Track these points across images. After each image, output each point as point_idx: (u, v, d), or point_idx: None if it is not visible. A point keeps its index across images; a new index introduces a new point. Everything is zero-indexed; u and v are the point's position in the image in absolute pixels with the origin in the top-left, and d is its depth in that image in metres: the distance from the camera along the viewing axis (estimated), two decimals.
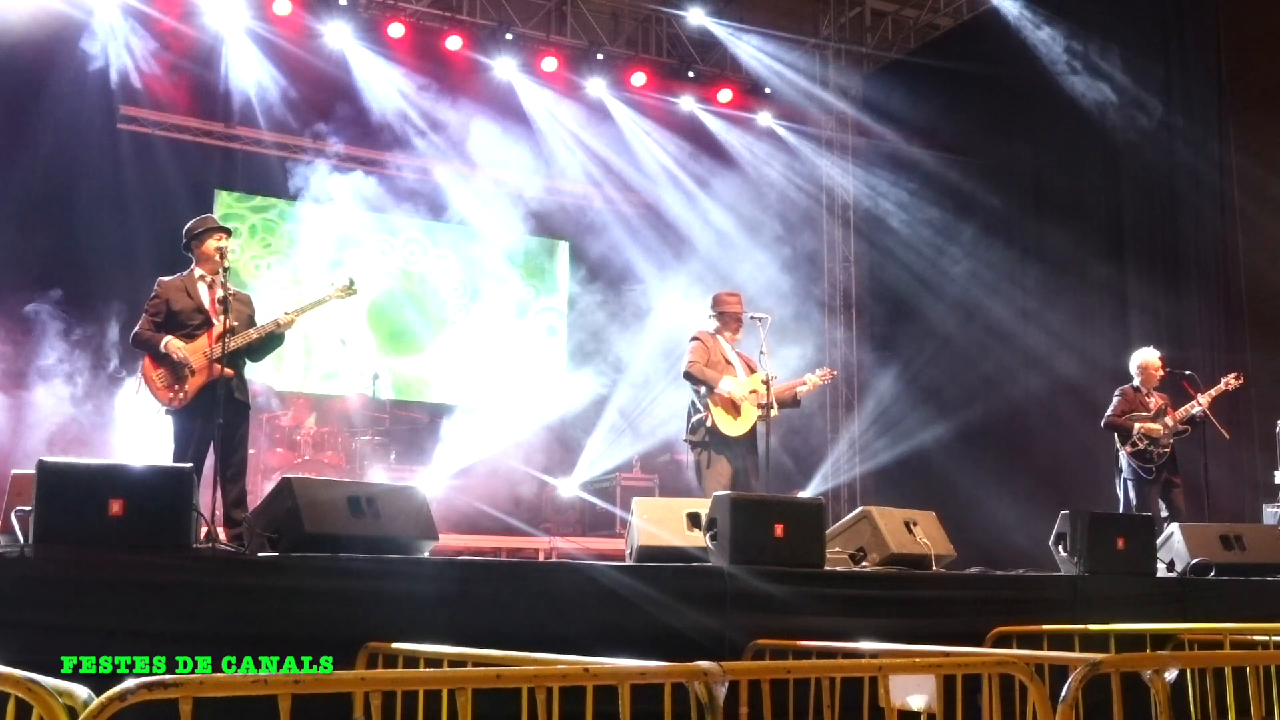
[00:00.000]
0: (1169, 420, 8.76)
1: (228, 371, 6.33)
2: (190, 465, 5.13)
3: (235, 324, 6.43)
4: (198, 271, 6.63)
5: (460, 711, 2.76)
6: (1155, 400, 8.91)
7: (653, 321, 12.72)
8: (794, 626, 5.03)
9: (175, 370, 6.39)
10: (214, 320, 6.43)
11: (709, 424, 7.54)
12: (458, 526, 10.54)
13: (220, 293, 6.38)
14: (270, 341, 6.64)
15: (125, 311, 10.67)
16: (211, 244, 6.58)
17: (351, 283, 6.87)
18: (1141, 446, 8.73)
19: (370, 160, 12.85)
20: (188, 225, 6.77)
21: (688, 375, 7.71)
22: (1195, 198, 10.93)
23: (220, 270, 6.45)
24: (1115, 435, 8.90)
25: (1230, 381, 8.83)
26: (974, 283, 12.64)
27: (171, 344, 6.38)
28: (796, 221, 14.17)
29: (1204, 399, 8.73)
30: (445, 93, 12.55)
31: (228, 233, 6.74)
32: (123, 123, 11.97)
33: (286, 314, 6.60)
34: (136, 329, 6.56)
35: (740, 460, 7.63)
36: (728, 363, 7.80)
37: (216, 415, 6.19)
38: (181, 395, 6.37)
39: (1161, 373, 8.98)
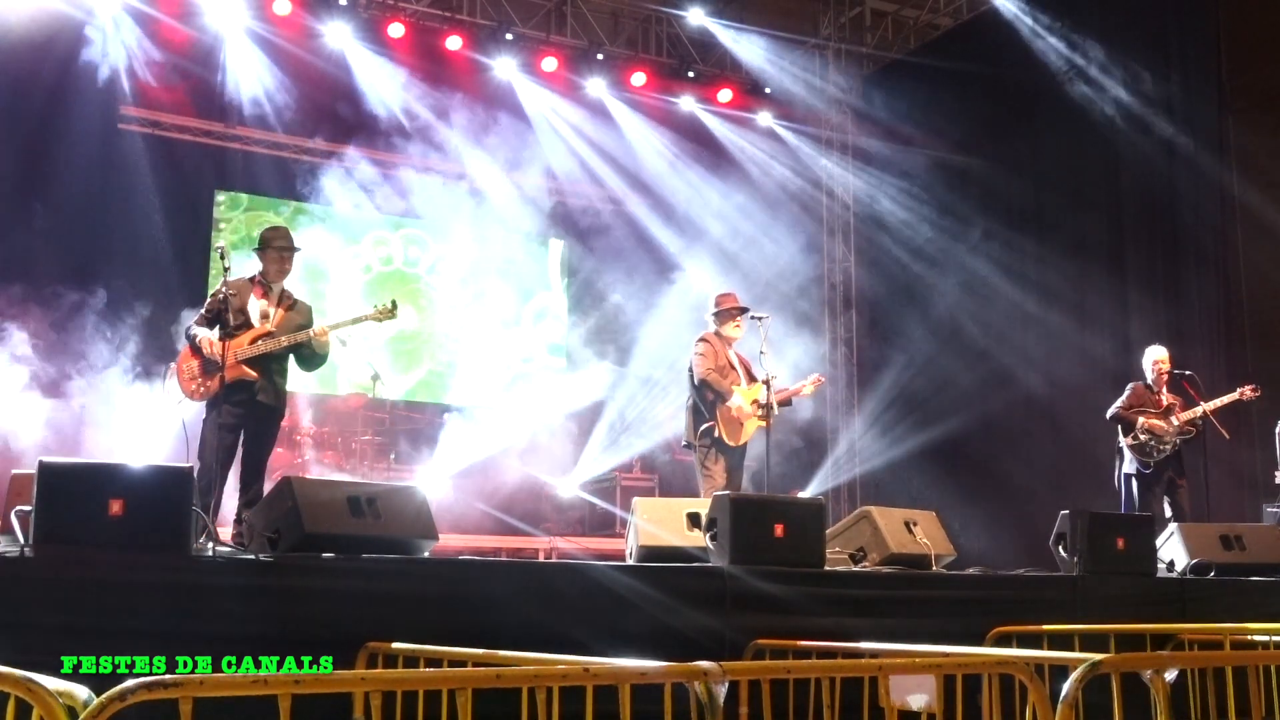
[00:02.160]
0: (1174, 419, 8.77)
1: (252, 373, 6.50)
2: (190, 465, 5.14)
3: (273, 330, 6.62)
4: (259, 277, 6.82)
5: (460, 711, 2.76)
6: (1166, 399, 8.92)
7: (652, 321, 12.71)
8: (794, 626, 5.03)
9: (206, 364, 6.54)
10: (253, 323, 6.65)
11: (715, 434, 7.73)
12: (457, 526, 10.54)
13: (264, 301, 6.68)
14: (314, 358, 6.78)
15: (123, 310, 10.68)
16: (274, 255, 6.78)
17: (394, 305, 6.91)
18: (1143, 440, 8.76)
19: (370, 160, 12.81)
20: (264, 230, 7.02)
21: (704, 383, 7.83)
22: (1195, 197, 10.91)
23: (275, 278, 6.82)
24: (1119, 427, 8.92)
25: (1246, 392, 8.76)
26: (974, 282, 12.62)
27: (203, 338, 6.51)
28: (796, 221, 14.15)
29: (1211, 405, 8.72)
30: (445, 93, 12.54)
31: (295, 250, 6.90)
32: (123, 123, 11.94)
33: (320, 328, 6.69)
34: (190, 322, 6.77)
35: (736, 463, 7.92)
36: (731, 367, 7.95)
37: (239, 415, 6.45)
38: (202, 389, 6.53)
39: (1167, 369, 8.98)
